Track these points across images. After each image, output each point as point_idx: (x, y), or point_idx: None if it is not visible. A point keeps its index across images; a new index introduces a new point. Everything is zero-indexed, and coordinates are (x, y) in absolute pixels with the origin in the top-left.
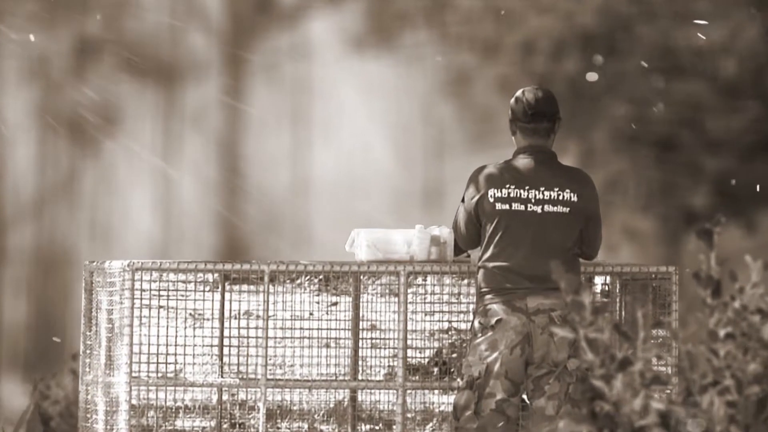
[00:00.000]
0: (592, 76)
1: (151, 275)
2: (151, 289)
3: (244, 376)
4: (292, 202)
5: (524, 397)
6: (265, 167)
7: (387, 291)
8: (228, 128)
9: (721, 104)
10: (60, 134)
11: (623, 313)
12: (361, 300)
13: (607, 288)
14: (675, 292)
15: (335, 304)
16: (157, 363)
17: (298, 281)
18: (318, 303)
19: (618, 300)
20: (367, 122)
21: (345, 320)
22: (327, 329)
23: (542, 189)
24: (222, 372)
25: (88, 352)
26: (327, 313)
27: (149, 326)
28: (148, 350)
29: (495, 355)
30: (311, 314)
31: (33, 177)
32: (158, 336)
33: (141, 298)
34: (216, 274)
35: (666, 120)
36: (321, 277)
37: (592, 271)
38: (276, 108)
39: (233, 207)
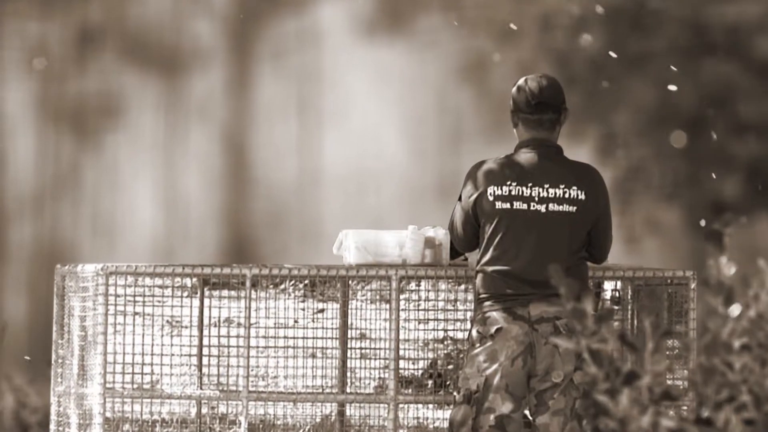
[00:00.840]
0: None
1: (125, 280)
2: (126, 295)
3: (225, 388)
4: (300, 196)
5: (527, 412)
6: (272, 160)
7: (377, 297)
8: (234, 119)
9: (754, 86)
10: (61, 126)
11: (635, 321)
12: (349, 307)
13: (618, 294)
14: (693, 299)
15: (322, 311)
16: (133, 373)
17: (282, 286)
18: (303, 310)
19: (630, 308)
20: (378, 112)
21: (332, 328)
22: (313, 338)
23: (547, 186)
24: (201, 383)
25: (60, 361)
26: (313, 321)
27: (124, 334)
28: (123, 360)
29: (494, 366)
30: (296, 322)
31: (33, 171)
32: (134, 345)
33: (115, 304)
34: (194, 279)
35: (694, 102)
36: (306, 281)
37: (601, 276)
38: (283, 98)
39: (239, 201)
